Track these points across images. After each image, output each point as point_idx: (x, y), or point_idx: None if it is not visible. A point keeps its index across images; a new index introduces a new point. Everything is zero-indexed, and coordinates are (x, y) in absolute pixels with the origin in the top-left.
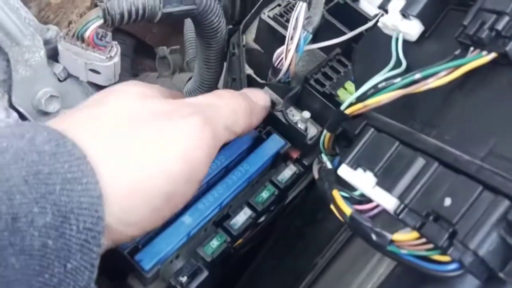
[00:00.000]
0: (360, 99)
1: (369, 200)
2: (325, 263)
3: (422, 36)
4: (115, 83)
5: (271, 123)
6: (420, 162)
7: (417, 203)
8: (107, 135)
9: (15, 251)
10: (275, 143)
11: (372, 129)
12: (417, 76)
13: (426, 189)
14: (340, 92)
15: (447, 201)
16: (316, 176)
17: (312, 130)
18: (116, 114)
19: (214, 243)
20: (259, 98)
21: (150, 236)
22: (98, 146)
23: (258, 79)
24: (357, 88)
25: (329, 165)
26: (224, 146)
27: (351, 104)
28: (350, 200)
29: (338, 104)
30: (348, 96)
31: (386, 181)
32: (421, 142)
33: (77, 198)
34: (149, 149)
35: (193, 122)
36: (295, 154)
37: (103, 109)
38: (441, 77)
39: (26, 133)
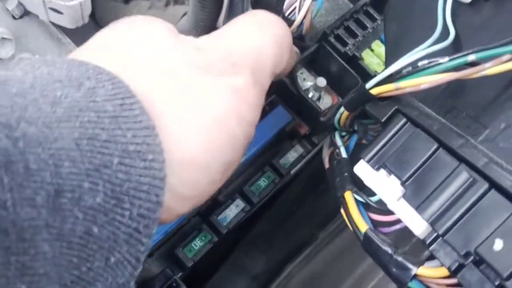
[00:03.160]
0: (391, 78)
1: (390, 212)
2: (328, 238)
3: None
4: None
5: (276, 90)
6: (463, 177)
7: (454, 236)
8: (170, 92)
9: (51, 235)
10: (279, 118)
11: (403, 120)
12: (471, 58)
13: (469, 219)
14: (366, 55)
15: (498, 244)
16: (327, 165)
17: (327, 100)
18: (162, 60)
19: (197, 243)
20: None
21: None
22: (166, 110)
23: None
24: (388, 52)
25: (343, 153)
26: None
27: (379, 83)
28: (365, 206)
29: (362, 69)
30: (374, 61)
31: (416, 196)
32: (468, 149)
33: (137, 177)
34: (211, 110)
35: (243, 82)
36: (303, 130)
37: (142, 53)
38: (504, 61)
39: (85, 80)
